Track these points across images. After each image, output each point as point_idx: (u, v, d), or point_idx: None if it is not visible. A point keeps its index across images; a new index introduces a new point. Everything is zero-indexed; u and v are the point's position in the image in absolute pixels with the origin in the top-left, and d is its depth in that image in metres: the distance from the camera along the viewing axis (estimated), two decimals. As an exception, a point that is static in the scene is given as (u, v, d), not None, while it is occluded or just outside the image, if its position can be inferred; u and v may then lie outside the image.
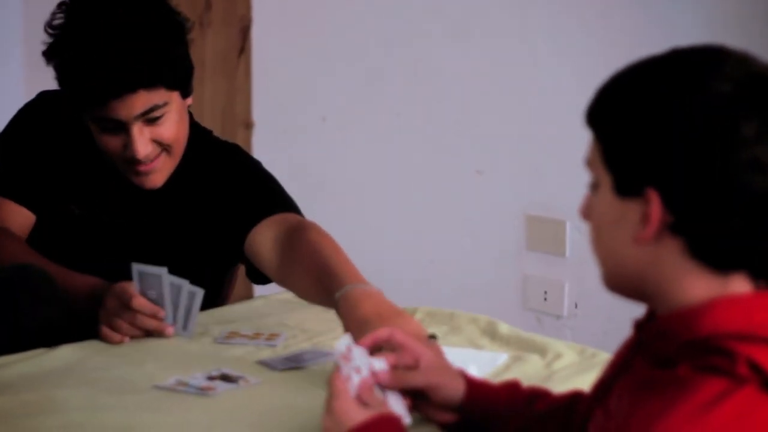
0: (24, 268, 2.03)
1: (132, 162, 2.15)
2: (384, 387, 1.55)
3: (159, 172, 2.18)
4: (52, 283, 2.03)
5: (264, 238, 2.16)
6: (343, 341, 1.54)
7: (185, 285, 2.02)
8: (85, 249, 2.23)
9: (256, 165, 2.31)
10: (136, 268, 2.02)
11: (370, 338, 1.59)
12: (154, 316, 2.02)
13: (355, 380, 1.50)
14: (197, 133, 2.31)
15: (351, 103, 3.65)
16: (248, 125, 3.76)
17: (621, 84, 1.31)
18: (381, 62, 3.58)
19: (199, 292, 2.02)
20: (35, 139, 2.26)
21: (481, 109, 3.43)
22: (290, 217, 2.19)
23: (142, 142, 2.12)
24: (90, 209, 2.23)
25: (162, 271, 2.01)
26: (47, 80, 2.18)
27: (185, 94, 2.19)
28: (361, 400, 1.48)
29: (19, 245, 2.18)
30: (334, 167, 3.68)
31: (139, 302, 2.01)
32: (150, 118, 2.11)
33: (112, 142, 2.14)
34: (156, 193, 2.23)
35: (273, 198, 2.24)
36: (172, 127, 2.14)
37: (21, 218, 2.23)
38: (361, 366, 1.52)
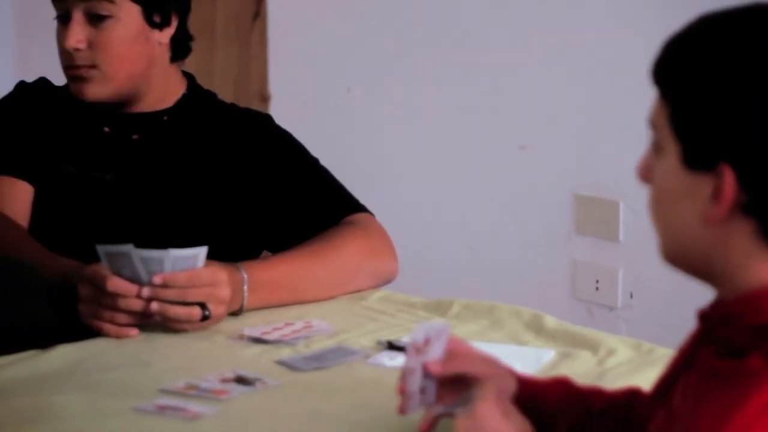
0: (9, 260, 2.07)
1: (67, 65, 2.28)
2: (430, 375, 1.57)
3: (88, 84, 2.27)
4: (40, 276, 2.06)
5: None
6: (420, 331, 1.56)
7: (157, 255, 2.00)
8: (84, 213, 2.30)
9: (298, 143, 2.40)
10: (101, 249, 2.00)
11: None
12: (137, 296, 2.00)
13: (418, 375, 1.55)
14: (206, 94, 2.41)
15: (379, 72, 3.66)
16: (264, 98, 3.80)
17: (696, 41, 1.31)
18: (412, 26, 3.59)
19: (167, 255, 1.99)
20: (18, 113, 2.37)
21: (523, 77, 3.43)
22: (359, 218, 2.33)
23: (75, 31, 2.25)
24: (82, 167, 2.32)
25: (128, 248, 1.98)
26: (37, 73, 2.34)
27: (150, 21, 2.29)
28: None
29: (16, 232, 2.25)
30: (360, 144, 3.70)
31: (115, 284, 1.99)
32: (93, 12, 2.25)
33: (60, 35, 2.28)
34: (142, 149, 2.33)
35: (340, 200, 2.36)
36: (113, 39, 2.26)
37: (19, 192, 2.31)
38: (435, 357, 1.57)
